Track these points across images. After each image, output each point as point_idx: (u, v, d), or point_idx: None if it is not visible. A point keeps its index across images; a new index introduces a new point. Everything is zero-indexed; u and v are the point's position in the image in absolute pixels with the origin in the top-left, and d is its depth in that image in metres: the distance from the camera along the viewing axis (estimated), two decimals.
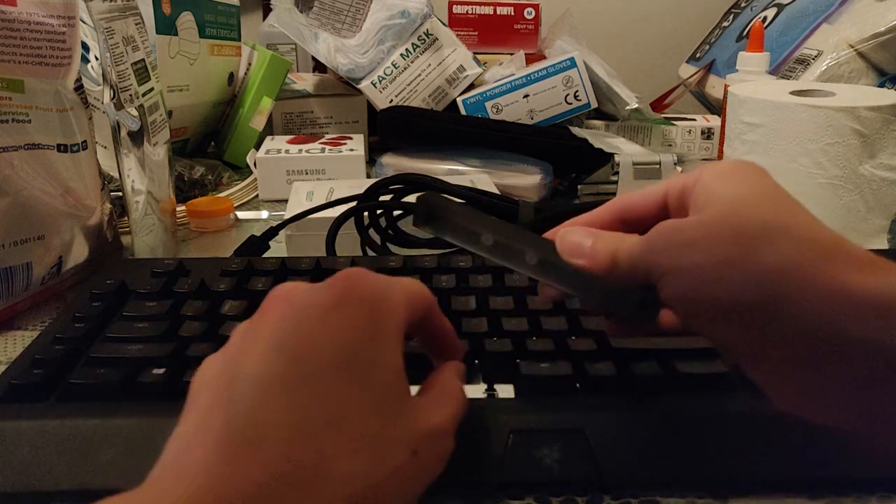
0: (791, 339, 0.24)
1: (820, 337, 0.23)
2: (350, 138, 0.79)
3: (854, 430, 0.25)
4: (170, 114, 0.73)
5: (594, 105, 0.81)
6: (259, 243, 0.52)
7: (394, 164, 0.72)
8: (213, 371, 0.24)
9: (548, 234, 0.31)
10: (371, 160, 0.81)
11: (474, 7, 1.00)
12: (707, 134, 0.88)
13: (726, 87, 0.69)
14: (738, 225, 0.25)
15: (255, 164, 0.76)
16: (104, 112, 0.50)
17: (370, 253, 0.50)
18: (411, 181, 0.50)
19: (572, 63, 0.80)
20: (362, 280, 0.25)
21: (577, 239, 0.29)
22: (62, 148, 0.47)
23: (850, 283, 0.23)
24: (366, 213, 0.50)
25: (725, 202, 0.26)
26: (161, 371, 0.34)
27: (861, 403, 0.24)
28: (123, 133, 0.49)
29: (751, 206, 0.26)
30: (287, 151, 0.73)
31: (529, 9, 1.00)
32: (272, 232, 0.52)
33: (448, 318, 0.37)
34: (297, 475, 0.20)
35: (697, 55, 1.09)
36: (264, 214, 0.69)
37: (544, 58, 0.91)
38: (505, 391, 0.33)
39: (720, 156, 0.69)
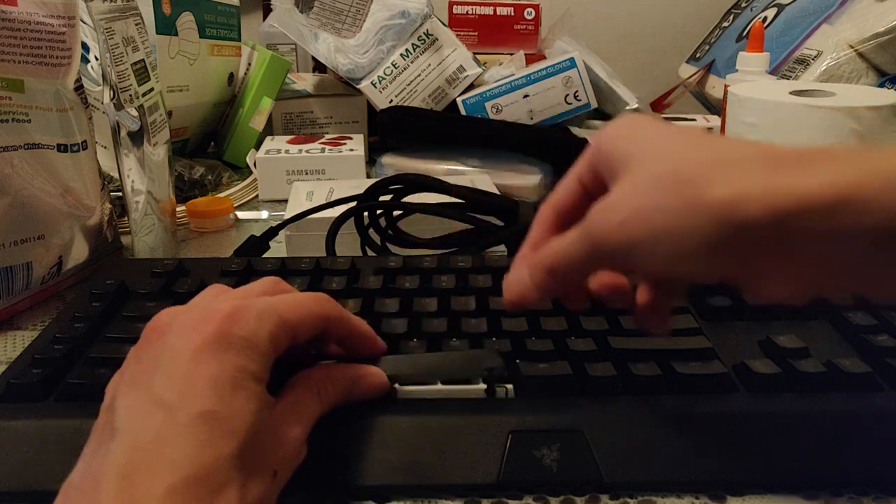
0: (771, 255, 0.24)
1: (795, 241, 0.23)
2: (350, 138, 0.79)
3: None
4: (170, 114, 0.73)
5: (594, 105, 0.81)
6: (259, 243, 0.52)
7: (394, 164, 0.72)
8: (100, 420, 0.26)
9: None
10: (371, 160, 0.81)
11: (474, 7, 1.00)
12: None
13: (726, 87, 0.69)
14: (668, 173, 0.25)
15: (255, 164, 0.76)
16: (104, 112, 0.50)
17: (370, 253, 0.50)
18: (411, 181, 0.50)
19: (572, 63, 0.80)
20: (234, 322, 0.27)
21: (515, 281, 0.31)
22: (62, 148, 0.47)
23: (796, 189, 0.23)
24: (366, 213, 0.50)
25: (639, 160, 0.26)
26: None
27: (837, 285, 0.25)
28: (123, 133, 0.49)
29: (665, 153, 0.25)
30: (287, 151, 0.73)
31: (529, 9, 1.00)
32: (272, 232, 0.52)
33: (447, 318, 0.37)
34: None
35: (697, 55, 1.09)
36: (264, 214, 0.69)
37: (544, 58, 0.91)
38: (504, 391, 0.33)
39: None
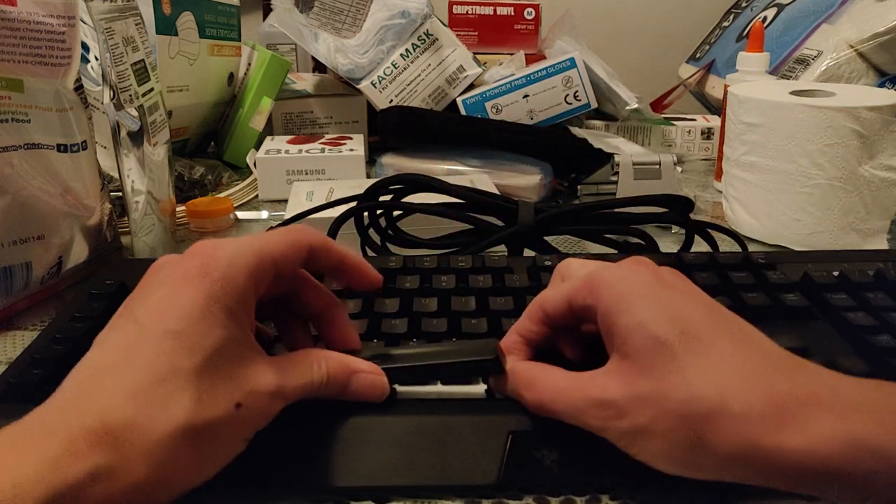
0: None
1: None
2: (350, 138, 0.79)
3: None
4: (170, 114, 0.73)
5: (594, 105, 0.81)
6: None
7: (394, 164, 0.72)
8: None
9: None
10: (371, 160, 0.81)
11: (474, 7, 1.00)
12: (707, 134, 0.88)
13: (726, 87, 0.69)
14: (677, 411, 0.26)
15: (255, 164, 0.76)
16: (104, 112, 0.50)
17: (370, 253, 0.50)
18: (411, 181, 0.50)
19: (572, 63, 0.80)
20: (214, 258, 0.29)
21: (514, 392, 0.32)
22: (62, 148, 0.47)
23: (797, 451, 0.25)
24: (366, 213, 0.50)
25: (648, 369, 0.27)
26: None
27: None
28: (123, 133, 0.49)
29: (672, 375, 0.27)
30: (287, 151, 0.73)
31: (529, 9, 1.00)
32: None
33: (447, 318, 0.37)
34: (130, 420, 0.24)
35: (697, 55, 1.09)
36: (264, 214, 0.69)
37: (544, 58, 0.91)
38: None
39: (720, 156, 0.69)
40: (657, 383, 0.27)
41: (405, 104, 0.83)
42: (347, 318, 0.34)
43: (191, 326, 0.26)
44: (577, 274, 0.33)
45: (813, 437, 0.24)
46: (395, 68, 0.82)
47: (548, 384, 0.30)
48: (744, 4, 1.06)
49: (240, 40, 0.89)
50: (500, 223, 0.50)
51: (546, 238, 0.50)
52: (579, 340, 0.33)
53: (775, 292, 0.40)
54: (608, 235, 0.51)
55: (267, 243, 0.30)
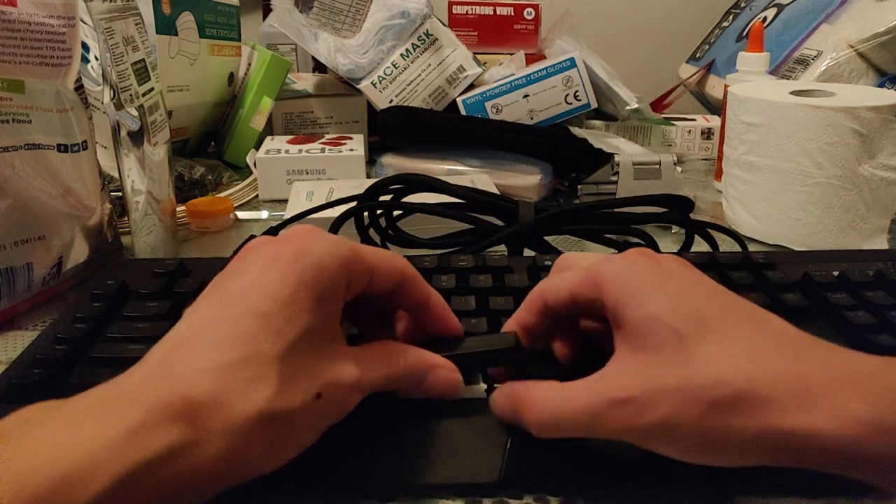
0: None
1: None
2: (350, 138, 0.79)
3: None
4: (170, 114, 0.73)
5: (594, 105, 0.81)
6: None
7: (394, 164, 0.72)
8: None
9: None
10: (371, 160, 0.81)
11: (474, 7, 1.00)
12: (707, 134, 0.88)
13: (726, 87, 0.69)
14: (696, 388, 0.26)
15: (255, 164, 0.76)
16: (104, 112, 0.50)
17: None
18: (411, 181, 0.50)
19: (572, 63, 0.80)
20: (309, 243, 0.28)
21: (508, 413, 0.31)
22: (62, 148, 0.47)
23: (815, 435, 0.25)
24: (366, 213, 0.50)
25: (661, 353, 0.27)
26: None
27: None
28: (123, 133, 0.49)
29: (690, 361, 0.26)
30: (287, 151, 0.73)
31: (529, 9, 1.00)
32: (272, 232, 0.52)
33: None
34: (211, 398, 0.24)
35: (697, 55, 1.09)
36: (264, 214, 0.69)
37: (544, 58, 0.91)
38: None
39: (720, 156, 0.69)
40: (678, 373, 0.26)
41: (405, 104, 0.83)
42: (444, 303, 0.33)
43: (278, 309, 0.26)
44: (579, 265, 0.32)
45: (841, 419, 0.24)
46: (396, 68, 0.82)
47: (550, 398, 0.29)
48: (743, 4, 1.06)
49: (240, 40, 0.89)
50: (500, 223, 0.50)
51: (546, 238, 0.50)
52: (574, 340, 0.33)
53: (775, 292, 0.40)
54: (608, 235, 0.51)
55: (364, 250, 0.30)
